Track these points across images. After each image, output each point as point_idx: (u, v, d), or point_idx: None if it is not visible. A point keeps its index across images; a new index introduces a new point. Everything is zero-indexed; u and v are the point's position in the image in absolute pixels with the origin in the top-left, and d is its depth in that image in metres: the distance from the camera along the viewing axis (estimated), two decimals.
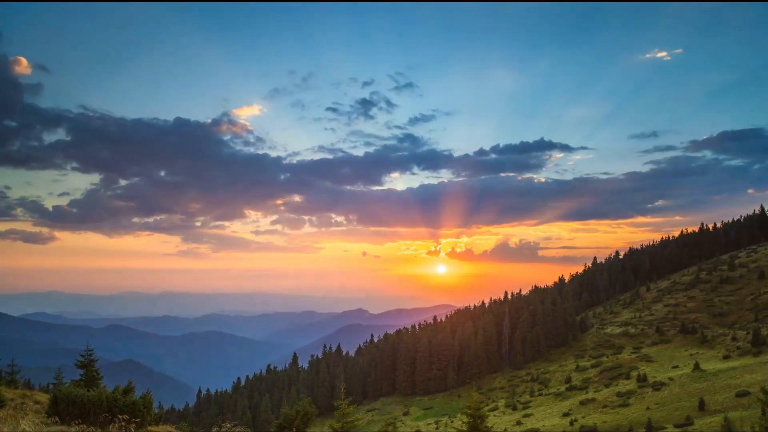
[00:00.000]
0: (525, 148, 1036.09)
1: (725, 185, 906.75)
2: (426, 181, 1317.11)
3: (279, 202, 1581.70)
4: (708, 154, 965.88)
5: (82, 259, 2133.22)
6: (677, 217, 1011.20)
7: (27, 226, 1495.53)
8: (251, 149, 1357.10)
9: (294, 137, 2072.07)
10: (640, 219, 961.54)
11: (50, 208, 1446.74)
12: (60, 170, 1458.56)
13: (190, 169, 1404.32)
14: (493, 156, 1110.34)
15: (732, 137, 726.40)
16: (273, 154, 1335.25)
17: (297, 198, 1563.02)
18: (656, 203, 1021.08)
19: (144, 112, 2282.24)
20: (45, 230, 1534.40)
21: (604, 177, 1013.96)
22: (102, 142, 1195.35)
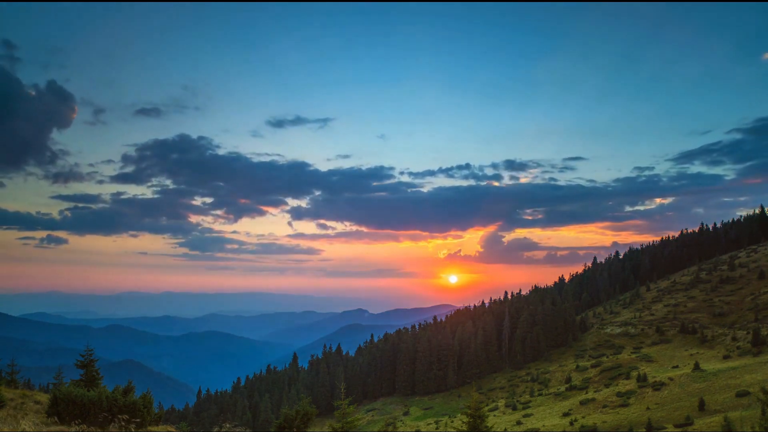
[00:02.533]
0: (509, 162, 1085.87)
1: (697, 195, 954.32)
2: (423, 188, 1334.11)
3: (279, 205, 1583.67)
4: (670, 165, 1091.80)
5: (83, 260, 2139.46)
6: (663, 221, 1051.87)
7: (42, 233, 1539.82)
8: (253, 157, 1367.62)
9: (298, 148, 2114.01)
10: (627, 223, 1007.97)
11: (69, 214, 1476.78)
12: (78, 182, 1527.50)
13: (193, 176, 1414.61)
14: (486, 165, 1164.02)
15: (693, 154, 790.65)
16: (273, 161, 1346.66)
17: (297, 201, 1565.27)
18: (636, 209, 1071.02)
19: (160, 134, 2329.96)
20: (59, 234, 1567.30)
21: (588, 185, 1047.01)
22: (119, 161, 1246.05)
